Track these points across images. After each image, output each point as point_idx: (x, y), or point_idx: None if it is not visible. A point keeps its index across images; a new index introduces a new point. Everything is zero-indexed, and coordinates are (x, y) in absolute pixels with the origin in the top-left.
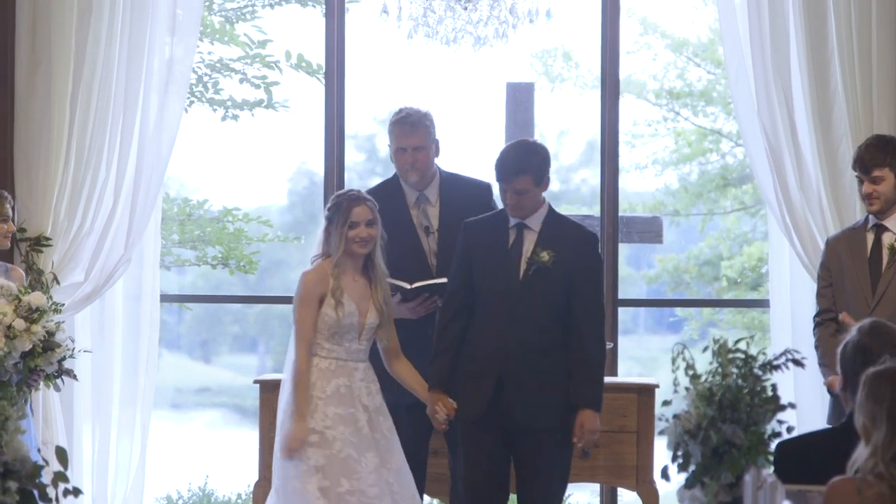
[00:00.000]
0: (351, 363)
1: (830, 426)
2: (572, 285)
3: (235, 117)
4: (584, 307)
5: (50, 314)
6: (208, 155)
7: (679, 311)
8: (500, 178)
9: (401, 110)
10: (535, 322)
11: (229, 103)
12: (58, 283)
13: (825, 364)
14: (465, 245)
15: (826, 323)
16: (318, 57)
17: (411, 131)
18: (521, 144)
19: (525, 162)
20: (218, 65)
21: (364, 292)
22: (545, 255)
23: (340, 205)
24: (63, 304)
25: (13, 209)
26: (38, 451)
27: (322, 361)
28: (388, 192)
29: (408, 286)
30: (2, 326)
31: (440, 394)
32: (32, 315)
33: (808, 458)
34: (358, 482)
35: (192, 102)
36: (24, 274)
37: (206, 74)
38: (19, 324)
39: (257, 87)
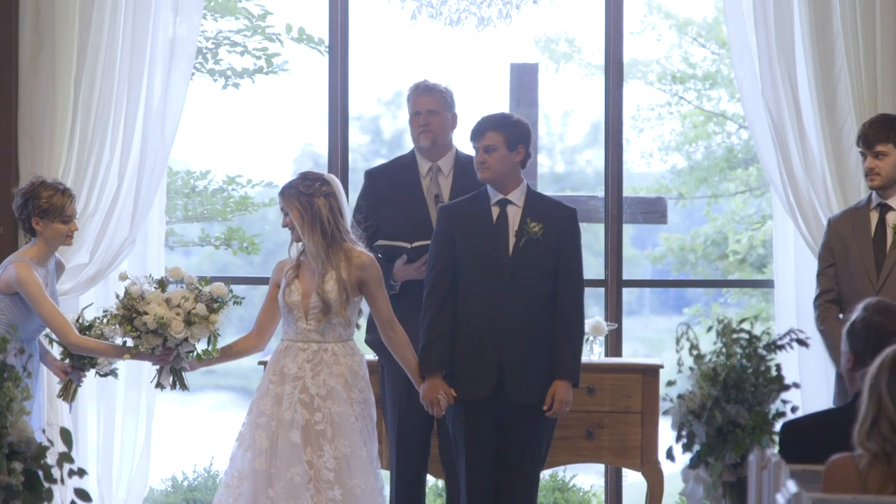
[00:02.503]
0: (300, 343)
1: (836, 406)
2: (558, 259)
3: (236, 85)
4: (568, 280)
5: (230, 306)
6: (211, 126)
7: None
8: (472, 136)
9: (420, 81)
10: (530, 295)
11: (230, 73)
12: (63, 264)
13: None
14: (447, 228)
15: (827, 304)
16: (319, 31)
17: (426, 93)
18: (500, 112)
19: (497, 121)
20: (219, 37)
21: (314, 276)
22: (535, 227)
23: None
24: (243, 298)
25: None
26: (43, 431)
27: (280, 343)
28: (401, 163)
29: (408, 246)
30: (182, 311)
31: (439, 380)
32: (213, 304)
33: (813, 438)
34: (281, 464)
35: (192, 74)
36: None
37: (205, 48)
38: (201, 308)
39: (258, 58)
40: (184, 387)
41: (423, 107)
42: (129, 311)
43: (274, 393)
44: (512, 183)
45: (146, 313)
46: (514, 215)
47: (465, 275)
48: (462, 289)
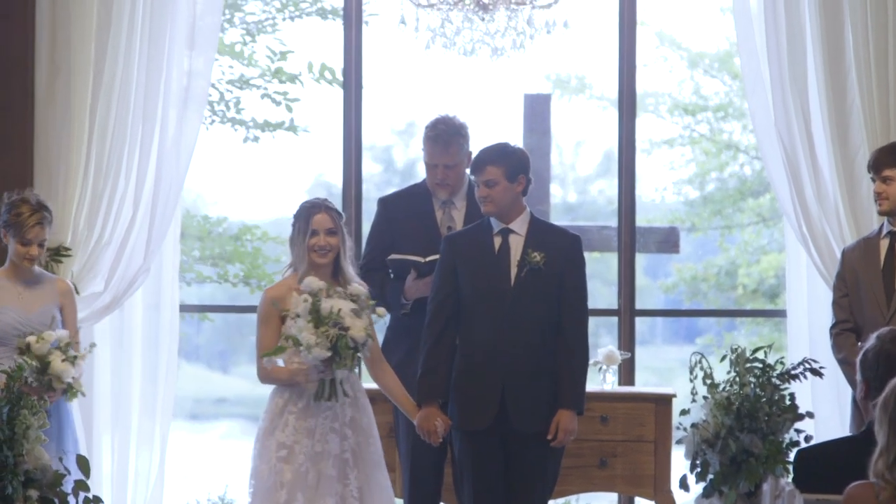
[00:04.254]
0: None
1: (851, 434)
2: (561, 287)
3: (256, 139)
4: (571, 308)
5: (370, 309)
6: (228, 172)
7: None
8: (472, 171)
9: (435, 124)
10: (532, 324)
11: (251, 124)
12: (77, 292)
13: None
14: (450, 257)
15: (844, 333)
16: (338, 66)
17: (444, 150)
18: (497, 143)
19: (496, 154)
20: (239, 81)
21: None
22: (537, 256)
23: (301, 214)
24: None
25: None
26: (60, 459)
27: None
28: (415, 192)
29: (422, 260)
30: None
31: (435, 409)
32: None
33: (828, 466)
34: (312, 495)
35: (213, 122)
36: (71, 286)
37: (227, 91)
38: (345, 309)
39: (278, 103)
40: (346, 393)
41: (440, 161)
42: (341, 331)
43: (301, 426)
44: (515, 212)
45: (350, 328)
46: (516, 245)
47: (468, 304)
48: (465, 318)
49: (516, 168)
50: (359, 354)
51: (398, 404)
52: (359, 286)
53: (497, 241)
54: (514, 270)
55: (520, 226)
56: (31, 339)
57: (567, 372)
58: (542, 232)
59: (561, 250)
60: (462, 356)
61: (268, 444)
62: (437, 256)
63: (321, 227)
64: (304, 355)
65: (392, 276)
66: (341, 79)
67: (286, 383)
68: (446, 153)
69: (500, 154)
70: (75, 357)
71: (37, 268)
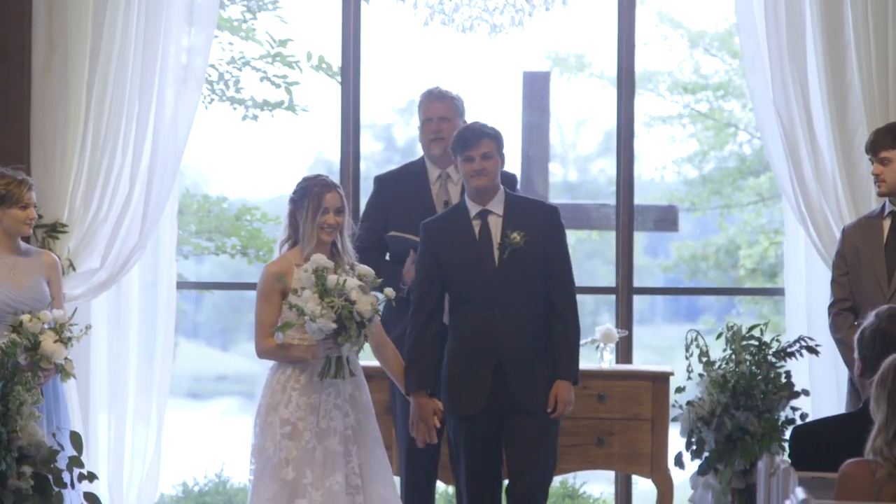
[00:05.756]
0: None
1: (847, 412)
2: (546, 261)
3: (255, 117)
4: (558, 280)
5: (378, 289)
6: (227, 151)
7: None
8: (464, 146)
9: (432, 88)
10: (521, 303)
11: (249, 103)
12: (74, 269)
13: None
14: (430, 245)
15: (843, 313)
16: (337, 52)
17: (438, 99)
18: (478, 121)
19: (488, 130)
20: (239, 62)
21: None
22: (517, 236)
23: (310, 190)
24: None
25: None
26: (53, 435)
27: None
28: (410, 170)
29: (419, 239)
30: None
31: (426, 398)
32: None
33: (823, 444)
34: (320, 472)
35: (212, 101)
36: (57, 259)
37: (227, 71)
38: (351, 283)
39: (277, 86)
40: (352, 372)
41: (435, 113)
42: (348, 303)
43: (304, 402)
44: (494, 189)
45: (356, 302)
46: (495, 226)
47: (455, 290)
48: (452, 304)
49: (502, 146)
50: (364, 331)
51: (398, 382)
52: (365, 267)
53: (476, 224)
54: (496, 253)
55: (497, 205)
56: (25, 317)
57: (562, 344)
58: (519, 209)
59: (540, 226)
60: (452, 342)
61: (271, 421)
62: None
63: (332, 206)
64: (308, 326)
65: (389, 257)
66: (339, 70)
67: (290, 360)
68: (440, 103)
69: (491, 130)
70: (69, 338)
71: (22, 242)
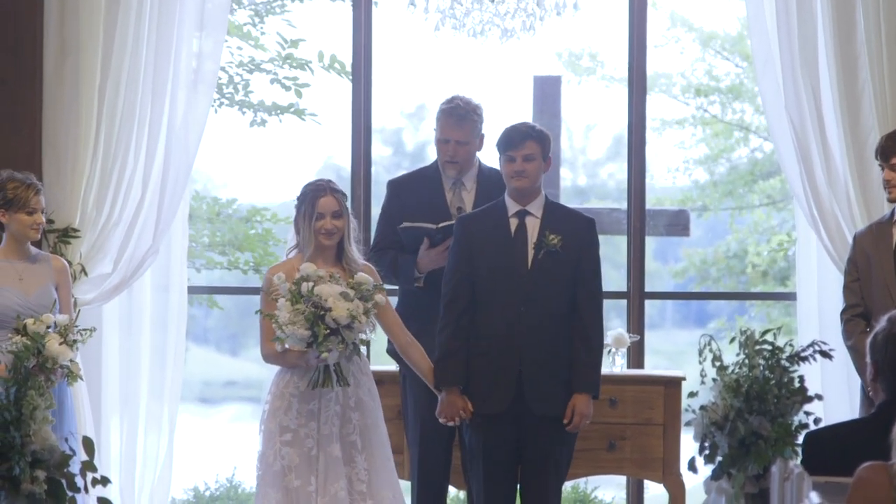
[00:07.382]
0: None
1: (860, 417)
2: (577, 269)
3: (263, 122)
4: (587, 291)
5: (375, 294)
6: (237, 155)
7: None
8: (508, 146)
9: (452, 99)
10: (549, 307)
11: (258, 107)
12: (86, 274)
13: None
14: (465, 240)
15: (854, 319)
16: (348, 56)
17: (457, 124)
18: (527, 122)
19: (535, 131)
20: (250, 65)
21: None
22: (554, 239)
23: (306, 195)
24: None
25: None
26: (66, 440)
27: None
28: (424, 174)
29: (434, 227)
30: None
31: (456, 394)
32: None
33: (837, 449)
34: (324, 479)
35: (221, 104)
36: (66, 264)
37: (237, 74)
38: (328, 290)
39: (287, 88)
40: (346, 382)
41: (452, 136)
42: (318, 310)
43: (304, 409)
44: (535, 192)
45: (331, 309)
46: (532, 227)
47: (484, 287)
48: (480, 301)
49: (548, 148)
50: (348, 340)
51: (424, 379)
52: (364, 275)
53: (513, 223)
54: (531, 253)
55: (536, 208)
56: (29, 321)
57: (583, 355)
58: (557, 214)
59: (577, 233)
60: (478, 339)
61: (271, 428)
62: (450, 222)
63: (327, 210)
64: (279, 334)
65: (404, 249)
66: (350, 69)
67: (288, 365)
68: (459, 128)
69: (538, 132)
70: (75, 341)
71: (32, 247)
